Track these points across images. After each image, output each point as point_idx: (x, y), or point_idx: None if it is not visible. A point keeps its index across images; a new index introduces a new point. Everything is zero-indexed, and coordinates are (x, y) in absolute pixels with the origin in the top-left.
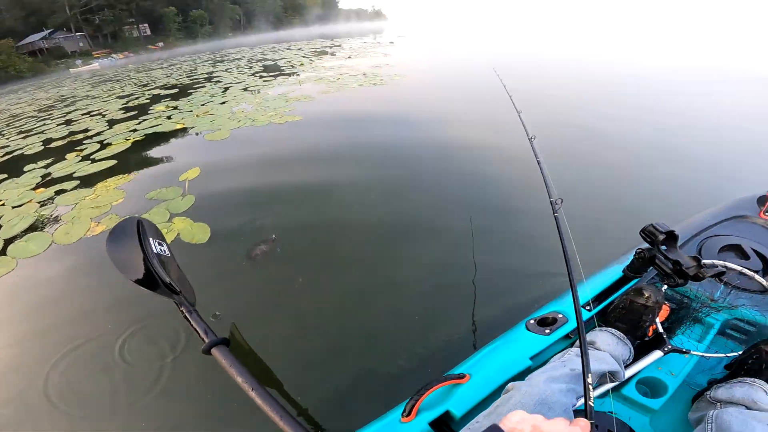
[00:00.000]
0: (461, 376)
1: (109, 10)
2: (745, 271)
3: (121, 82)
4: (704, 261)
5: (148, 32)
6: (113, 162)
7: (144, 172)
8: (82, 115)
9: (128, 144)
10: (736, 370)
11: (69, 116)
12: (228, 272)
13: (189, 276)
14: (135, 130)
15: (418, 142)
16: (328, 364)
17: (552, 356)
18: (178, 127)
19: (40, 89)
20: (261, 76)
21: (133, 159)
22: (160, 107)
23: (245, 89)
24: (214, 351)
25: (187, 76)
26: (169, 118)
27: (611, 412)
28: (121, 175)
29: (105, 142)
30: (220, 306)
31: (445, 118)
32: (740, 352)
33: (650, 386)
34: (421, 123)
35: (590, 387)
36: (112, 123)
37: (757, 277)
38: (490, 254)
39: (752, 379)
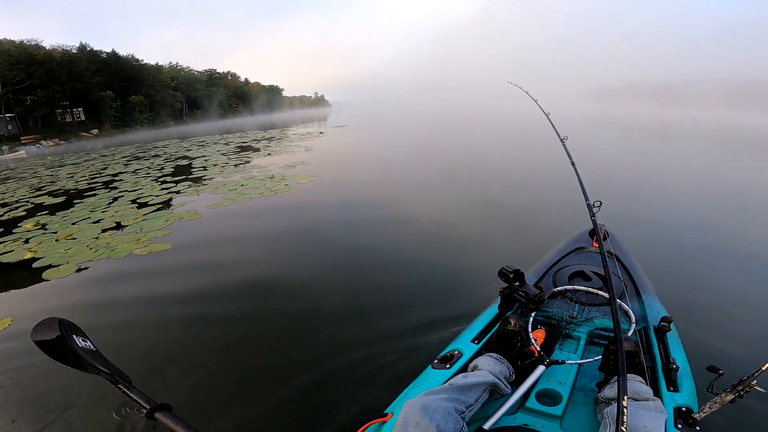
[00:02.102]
0: (384, 415)
1: (43, 91)
2: (590, 289)
3: (22, 181)
4: (557, 289)
5: (83, 117)
6: None
7: None
8: None
9: None
10: (607, 370)
11: None
12: None
13: None
14: None
15: (296, 270)
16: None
17: None
18: (27, 256)
19: None
20: (164, 182)
21: None
22: (28, 224)
23: (134, 201)
24: (158, 415)
25: (91, 178)
26: (26, 242)
27: (525, 425)
28: None
29: None
30: None
31: (334, 234)
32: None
33: (549, 396)
34: (307, 241)
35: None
36: None
37: (600, 292)
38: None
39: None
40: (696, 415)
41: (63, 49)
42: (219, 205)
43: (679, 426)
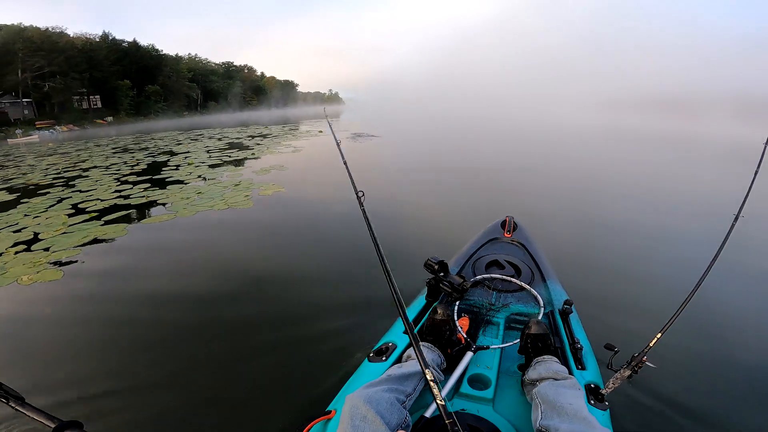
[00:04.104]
0: (328, 413)
1: (61, 78)
2: (504, 277)
3: (1, 170)
4: (477, 278)
5: (99, 105)
6: None
7: None
8: None
9: None
10: (526, 353)
11: None
12: None
13: None
14: None
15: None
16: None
17: None
18: None
19: None
20: (125, 182)
21: None
22: None
23: (75, 205)
24: None
25: (63, 170)
26: None
27: (463, 410)
28: None
29: None
30: None
31: (266, 253)
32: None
33: (479, 381)
34: (234, 265)
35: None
36: None
37: (513, 280)
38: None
39: (541, 356)
40: (603, 391)
41: (86, 38)
42: (156, 219)
43: (592, 402)
